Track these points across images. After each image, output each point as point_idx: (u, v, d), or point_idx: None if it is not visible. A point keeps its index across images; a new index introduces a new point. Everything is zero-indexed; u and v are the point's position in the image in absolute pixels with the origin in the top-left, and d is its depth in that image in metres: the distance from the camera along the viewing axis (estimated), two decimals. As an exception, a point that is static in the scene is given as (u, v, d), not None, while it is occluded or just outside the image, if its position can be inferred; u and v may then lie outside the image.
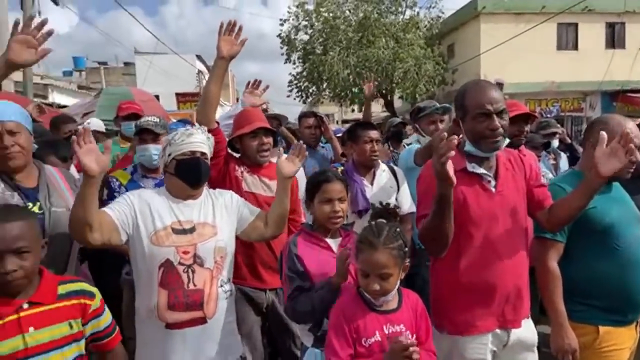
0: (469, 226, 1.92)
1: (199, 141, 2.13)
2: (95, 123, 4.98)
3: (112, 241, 1.95)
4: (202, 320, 2.02)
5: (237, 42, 2.48)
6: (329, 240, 2.09)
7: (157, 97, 11.28)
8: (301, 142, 2.36)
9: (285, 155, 2.27)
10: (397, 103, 21.89)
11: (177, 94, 18.66)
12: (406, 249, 1.78)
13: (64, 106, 11.30)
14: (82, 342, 1.64)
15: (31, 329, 1.50)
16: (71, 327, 1.58)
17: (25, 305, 1.52)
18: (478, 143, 1.94)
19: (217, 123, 2.62)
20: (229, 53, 2.46)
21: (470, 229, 1.93)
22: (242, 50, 2.51)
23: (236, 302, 2.60)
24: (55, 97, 13.98)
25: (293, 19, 19.60)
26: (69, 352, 1.57)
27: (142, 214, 2.02)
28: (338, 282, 1.91)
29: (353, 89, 19.30)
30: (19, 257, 1.48)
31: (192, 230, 2.06)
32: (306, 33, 19.75)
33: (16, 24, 1.84)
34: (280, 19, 19.70)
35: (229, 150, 2.77)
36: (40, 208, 2.02)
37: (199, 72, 24.89)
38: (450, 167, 1.64)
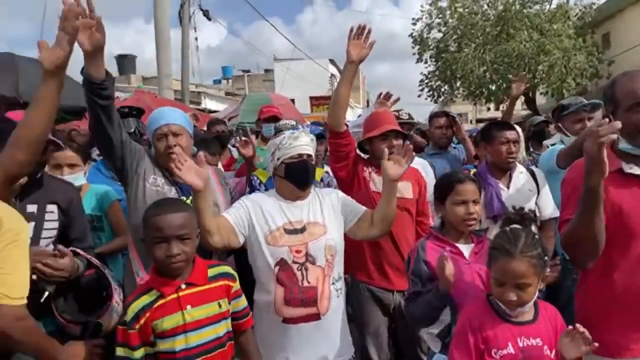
0: (625, 235, 1.70)
1: (305, 144, 2.22)
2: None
3: (232, 243, 2.12)
4: (316, 317, 2.10)
5: (366, 45, 2.50)
6: (460, 246, 2.02)
7: (292, 100, 11.94)
8: (407, 143, 2.31)
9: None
10: (540, 100, 20.12)
11: (311, 98, 19.51)
12: (546, 257, 1.65)
13: (215, 111, 12.59)
14: (229, 320, 1.83)
15: (189, 306, 1.71)
16: (220, 306, 1.78)
17: (183, 286, 1.74)
18: (635, 138, 1.70)
19: (347, 125, 2.69)
20: (358, 56, 2.49)
21: (627, 239, 1.70)
22: (372, 52, 2.53)
23: (364, 301, 2.66)
24: (207, 103, 15.63)
25: (426, 17, 19.18)
26: (220, 329, 1.77)
27: (256, 215, 2.16)
28: (444, 288, 1.85)
29: (490, 87, 18.23)
30: (182, 243, 1.70)
31: (302, 230, 2.15)
32: (439, 31, 19.17)
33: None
34: (413, 18, 19.42)
35: (358, 152, 2.83)
36: (192, 201, 2.30)
37: (332, 75, 25.70)
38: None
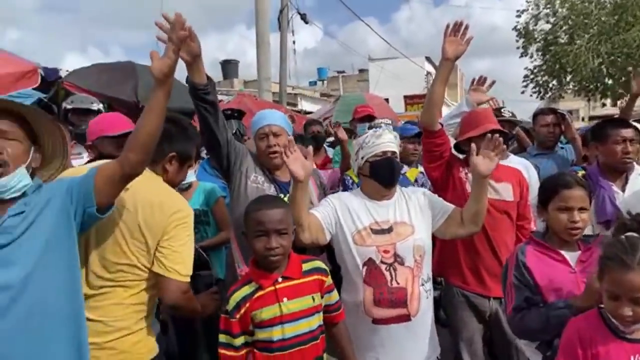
0: None
1: (388, 141, 2.19)
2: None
3: (319, 240, 2.15)
4: (407, 318, 2.07)
5: (462, 41, 2.42)
6: (564, 253, 1.89)
7: (387, 100, 11.85)
8: (496, 136, 2.15)
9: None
10: (668, 94, 17.86)
11: (405, 97, 19.19)
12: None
13: (310, 112, 12.93)
14: (321, 314, 1.90)
15: (285, 299, 1.80)
16: (313, 300, 1.85)
17: (280, 279, 1.83)
18: None
19: (441, 125, 2.63)
20: (453, 53, 2.41)
21: None
22: (472, 47, 2.43)
23: (457, 306, 2.59)
24: (303, 105, 16.09)
25: (532, 8, 17.96)
26: (313, 322, 1.84)
27: (343, 215, 2.17)
28: (583, 306, 1.70)
29: (605, 81, 16.58)
30: (280, 237, 1.79)
31: (390, 230, 2.13)
32: (547, 22, 17.83)
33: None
34: (517, 10, 18.26)
35: (454, 152, 2.74)
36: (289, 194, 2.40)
37: (428, 73, 25.09)
38: None
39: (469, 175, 2.63)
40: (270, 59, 9.61)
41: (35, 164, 1.56)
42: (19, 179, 1.47)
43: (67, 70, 5.22)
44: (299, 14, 11.21)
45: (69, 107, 3.64)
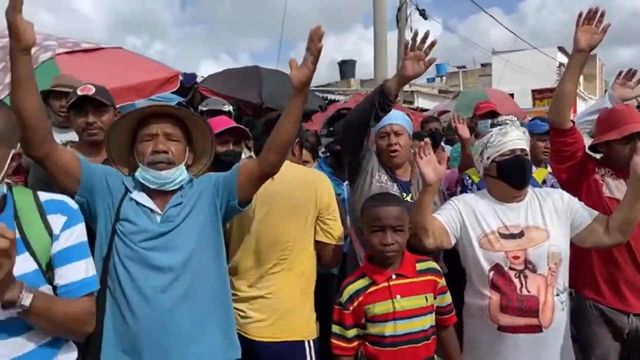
0: None
1: (516, 138, 2.04)
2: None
3: (444, 244, 2.07)
4: (537, 329, 1.93)
5: (598, 30, 2.19)
6: None
7: (511, 95, 11.14)
8: None
9: None
10: None
11: (533, 91, 17.85)
12: None
13: (426, 109, 12.66)
14: (433, 315, 1.89)
15: (398, 296, 1.82)
16: (426, 300, 1.85)
17: (394, 276, 1.85)
18: None
19: (572, 122, 2.40)
20: (587, 43, 2.19)
21: None
22: (612, 34, 2.20)
23: (590, 320, 2.39)
24: (420, 102, 15.79)
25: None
26: (425, 321, 1.85)
27: (468, 218, 2.07)
28: None
29: None
30: (396, 233, 1.83)
31: (520, 234, 2.00)
32: None
33: (406, 45, 2.13)
34: (673, -12, 15.89)
35: (587, 151, 2.50)
36: (411, 198, 2.41)
37: (560, 64, 23.01)
38: None
39: (607, 178, 2.39)
40: (387, 58, 9.59)
41: (189, 161, 1.80)
42: (179, 173, 1.72)
43: (202, 77, 5.78)
44: (418, 9, 11.02)
45: (204, 109, 4.02)
